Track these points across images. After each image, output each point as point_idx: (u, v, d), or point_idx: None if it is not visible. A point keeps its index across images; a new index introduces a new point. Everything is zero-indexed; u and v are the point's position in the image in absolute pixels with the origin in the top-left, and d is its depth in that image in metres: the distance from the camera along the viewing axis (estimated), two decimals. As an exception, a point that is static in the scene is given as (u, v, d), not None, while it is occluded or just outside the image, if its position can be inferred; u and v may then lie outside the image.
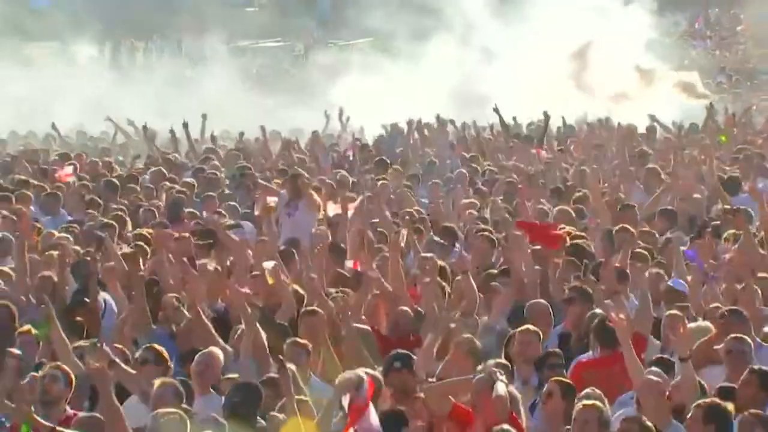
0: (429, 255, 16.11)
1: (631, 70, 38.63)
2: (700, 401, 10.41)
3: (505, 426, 9.97)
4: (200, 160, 27.05)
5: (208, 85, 40.10)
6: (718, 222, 18.95)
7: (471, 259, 17.01)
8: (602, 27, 39.50)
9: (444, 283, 15.33)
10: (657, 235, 18.54)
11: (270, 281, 15.07)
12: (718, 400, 10.47)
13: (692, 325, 13.15)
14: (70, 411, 11.05)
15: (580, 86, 38.27)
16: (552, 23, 39.27)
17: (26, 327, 13.29)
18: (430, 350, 12.50)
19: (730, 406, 10.31)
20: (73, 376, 11.27)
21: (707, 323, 13.30)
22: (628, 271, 15.35)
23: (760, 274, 15.01)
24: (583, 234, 18.00)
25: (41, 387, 11.07)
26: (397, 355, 11.50)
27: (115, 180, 23.24)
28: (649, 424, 10.13)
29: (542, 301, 14.52)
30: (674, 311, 13.56)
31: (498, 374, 10.40)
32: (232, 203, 21.90)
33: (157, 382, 11.03)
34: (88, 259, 16.50)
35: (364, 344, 13.14)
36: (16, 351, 11.98)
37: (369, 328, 13.82)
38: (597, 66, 38.76)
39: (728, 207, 19.67)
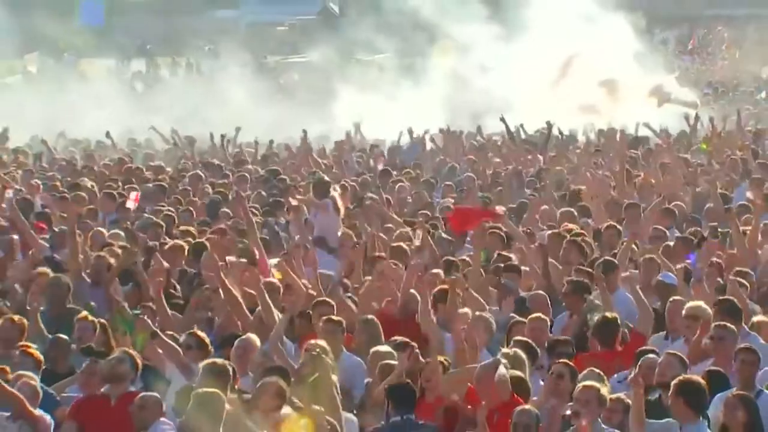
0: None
1: (622, 84, 38.37)
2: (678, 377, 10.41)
3: None
4: (234, 163, 26.94)
5: (242, 97, 40.18)
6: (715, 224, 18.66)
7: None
8: (594, 44, 39.40)
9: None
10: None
11: (277, 276, 14.97)
12: (691, 377, 10.44)
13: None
14: (132, 388, 11.11)
15: (577, 101, 37.93)
16: (549, 41, 39.13)
17: (84, 313, 13.28)
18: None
19: (702, 383, 10.29)
20: (139, 361, 11.39)
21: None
22: (616, 261, 15.31)
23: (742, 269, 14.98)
24: (582, 231, 17.79)
25: (109, 366, 11.13)
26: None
27: (164, 183, 23.16)
28: None
29: (541, 292, 14.44)
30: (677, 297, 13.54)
31: (501, 360, 10.43)
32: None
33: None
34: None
35: (367, 334, 13.01)
36: None
37: (372, 317, 13.47)
38: (588, 81, 38.52)
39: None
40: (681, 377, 10.38)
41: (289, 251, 16.54)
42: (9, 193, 20.69)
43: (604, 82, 38.31)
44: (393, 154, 29.08)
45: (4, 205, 20.21)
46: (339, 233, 18.80)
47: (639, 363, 11.39)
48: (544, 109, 32.32)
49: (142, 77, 55.12)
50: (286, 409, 10.22)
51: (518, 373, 10.87)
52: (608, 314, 13.05)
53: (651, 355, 11.62)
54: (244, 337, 12.30)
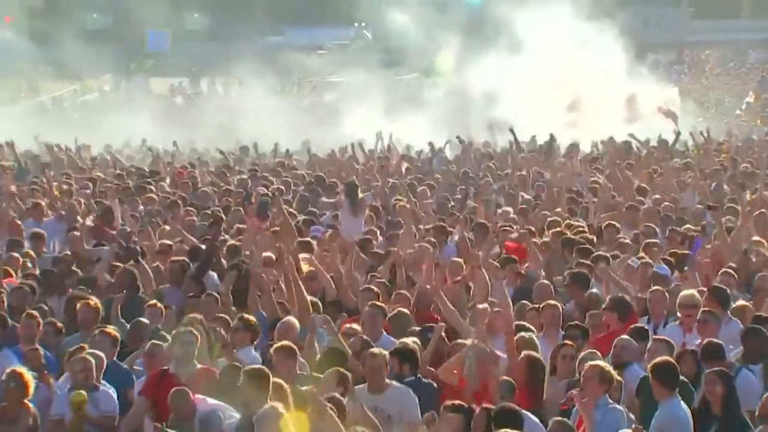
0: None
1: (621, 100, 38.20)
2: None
3: None
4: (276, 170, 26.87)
5: (282, 110, 40.38)
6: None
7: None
8: (590, 64, 39.38)
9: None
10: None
11: (304, 269, 14.81)
12: (665, 359, 10.36)
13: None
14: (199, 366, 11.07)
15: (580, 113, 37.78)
16: (549, 63, 39.05)
17: (153, 301, 13.33)
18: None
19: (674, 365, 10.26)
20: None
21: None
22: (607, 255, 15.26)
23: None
24: (584, 229, 17.69)
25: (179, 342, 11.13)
26: None
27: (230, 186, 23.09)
28: None
29: (546, 282, 14.37)
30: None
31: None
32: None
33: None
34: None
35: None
36: None
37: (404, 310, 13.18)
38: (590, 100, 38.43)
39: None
40: (655, 361, 10.29)
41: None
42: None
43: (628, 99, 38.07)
44: (421, 163, 28.87)
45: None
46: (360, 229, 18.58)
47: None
48: (547, 123, 32.09)
49: (185, 94, 55.51)
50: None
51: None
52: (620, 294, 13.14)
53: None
54: (284, 319, 12.24)
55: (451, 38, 46.86)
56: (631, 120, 34.92)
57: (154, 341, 11.63)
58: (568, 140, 30.07)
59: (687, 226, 17.84)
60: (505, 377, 10.39)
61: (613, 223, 17.74)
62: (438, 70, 47.91)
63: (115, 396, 11.13)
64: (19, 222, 18.86)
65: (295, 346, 11.02)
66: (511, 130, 29.57)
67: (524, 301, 13.49)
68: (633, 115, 36.67)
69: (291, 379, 10.25)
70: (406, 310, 12.94)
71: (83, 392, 10.76)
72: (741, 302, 13.07)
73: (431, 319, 12.98)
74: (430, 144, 30.03)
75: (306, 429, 8.91)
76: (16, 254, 16.16)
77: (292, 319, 12.30)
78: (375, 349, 10.81)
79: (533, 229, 17.64)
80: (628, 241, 16.75)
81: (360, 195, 20.32)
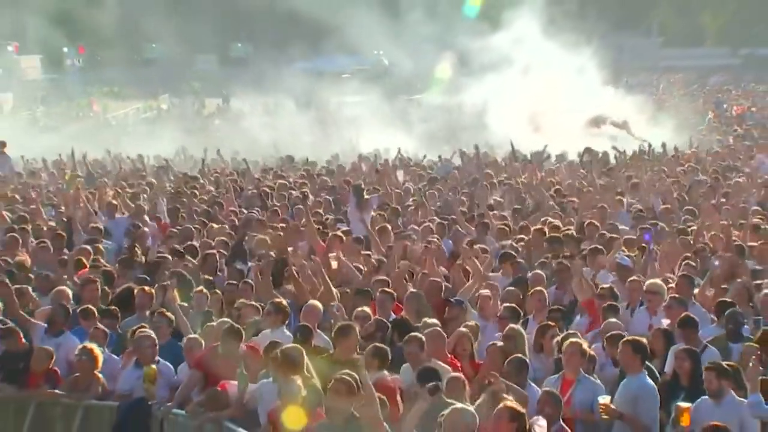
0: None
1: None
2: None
3: None
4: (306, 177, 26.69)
5: (314, 126, 40.37)
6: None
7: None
8: (571, 85, 39.10)
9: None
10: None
11: (333, 265, 14.64)
12: (638, 338, 10.29)
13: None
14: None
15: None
16: (534, 84, 38.79)
17: (199, 288, 13.20)
18: None
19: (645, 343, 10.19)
20: None
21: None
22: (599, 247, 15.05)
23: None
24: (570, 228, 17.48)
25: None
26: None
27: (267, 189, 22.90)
28: None
29: (539, 272, 14.04)
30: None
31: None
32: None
33: None
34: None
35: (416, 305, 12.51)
36: None
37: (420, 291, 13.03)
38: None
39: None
40: (630, 338, 10.26)
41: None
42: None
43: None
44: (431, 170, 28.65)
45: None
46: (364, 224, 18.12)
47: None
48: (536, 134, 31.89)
49: (228, 112, 55.48)
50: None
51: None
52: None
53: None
54: (309, 302, 12.18)
55: (449, 52, 46.85)
56: (598, 133, 34.48)
57: (190, 336, 11.52)
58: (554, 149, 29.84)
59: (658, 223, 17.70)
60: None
61: (594, 221, 17.61)
62: (437, 79, 47.60)
63: (173, 369, 11.18)
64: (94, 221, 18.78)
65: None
66: (511, 144, 29.23)
67: (513, 288, 13.33)
68: (598, 128, 36.33)
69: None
70: (420, 291, 12.83)
71: (154, 366, 10.84)
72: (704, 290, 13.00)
73: (439, 305, 12.81)
74: (439, 157, 29.84)
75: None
76: (88, 247, 16.08)
77: (316, 302, 12.26)
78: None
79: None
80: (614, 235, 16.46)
81: (366, 196, 20.16)
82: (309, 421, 8.91)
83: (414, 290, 12.92)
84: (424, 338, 10.51)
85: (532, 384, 9.91)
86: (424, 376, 9.39)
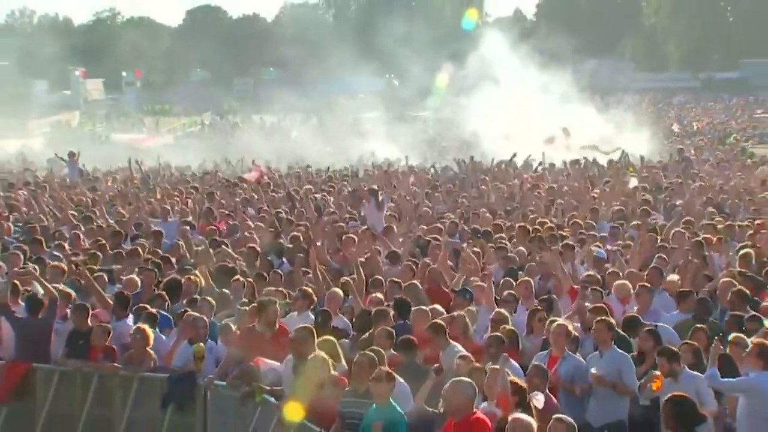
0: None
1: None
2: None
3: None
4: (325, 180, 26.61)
5: (335, 138, 40.43)
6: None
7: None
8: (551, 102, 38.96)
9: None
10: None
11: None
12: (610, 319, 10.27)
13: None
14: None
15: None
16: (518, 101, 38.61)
17: (237, 276, 13.02)
18: None
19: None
20: None
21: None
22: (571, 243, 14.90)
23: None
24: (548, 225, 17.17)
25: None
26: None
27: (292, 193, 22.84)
28: None
29: (533, 263, 13.92)
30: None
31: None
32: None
33: None
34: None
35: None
36: None
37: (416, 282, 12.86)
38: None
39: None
40: (603, 318, 10.17)
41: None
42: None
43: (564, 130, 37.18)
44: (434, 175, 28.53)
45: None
46: (382, 222, 18.10)
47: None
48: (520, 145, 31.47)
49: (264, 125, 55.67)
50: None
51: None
52: None
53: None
54: (332, 290, 12.16)
55: (448, 64, 46.76)
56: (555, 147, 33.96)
57: (223, 323, 11.37)
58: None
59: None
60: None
61: (578, 220, 17.52)
62: (437, 88, 47.45)
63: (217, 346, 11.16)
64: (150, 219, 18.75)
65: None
66: (514, 154, 28.82)
67: (508, 278, 13.14)
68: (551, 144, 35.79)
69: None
70: (416, 282, 12.68)
71: (203, 345, 10.84)
72: (671, 277, 12.85)
73: (440, 293, 12.69)
74: (445, 166, 29.69)
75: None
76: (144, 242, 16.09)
77: (337, 290, 12.23)
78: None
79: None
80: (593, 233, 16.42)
81: (380, 197, 20.03)
82: (320, 390, 8.95)
83: (413, 281, 12.72)
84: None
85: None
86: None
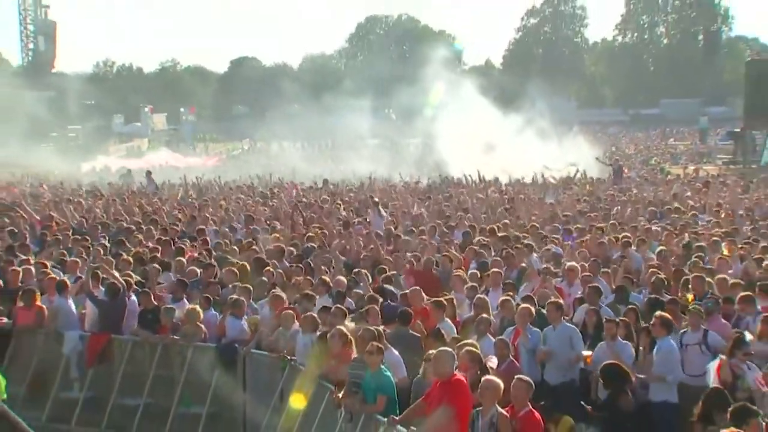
0: None
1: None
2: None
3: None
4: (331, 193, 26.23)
5: (342, 161, 40.15)
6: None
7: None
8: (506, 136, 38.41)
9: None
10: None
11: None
12: (559, 301, 10.23)
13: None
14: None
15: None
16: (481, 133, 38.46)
17: (268, 267, 12.90)
18: None
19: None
20: None
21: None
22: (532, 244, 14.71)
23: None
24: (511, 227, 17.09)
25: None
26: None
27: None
28: None
29: (498, 258, 13.49)
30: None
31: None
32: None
33: None
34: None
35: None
36: None
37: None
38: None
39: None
40: (553, 300, 10.15)
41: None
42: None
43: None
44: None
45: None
46: (382, 226, 17.75)
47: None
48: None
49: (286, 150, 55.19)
50: None
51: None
52: None
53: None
54: (338, 278, 12.18)
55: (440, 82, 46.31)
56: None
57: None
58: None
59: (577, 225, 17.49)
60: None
61: (535, 224, 17.44)
62: (430, 101, 46.75)
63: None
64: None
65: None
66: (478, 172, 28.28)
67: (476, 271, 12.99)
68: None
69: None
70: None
71: (257, 317, 10.89)
72: (606, 269, 12.77)
73: (431, 277, 12.58)
74: (433, 182, 29.34)
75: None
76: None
77: (342, 278, 12.23)
78: None
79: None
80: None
81: (381, 207, 19.84)
82: (328, 360, 8.89)
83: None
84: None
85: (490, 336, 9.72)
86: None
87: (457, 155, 34.34)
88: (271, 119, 58.69)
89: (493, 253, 14.08)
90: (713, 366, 8.42)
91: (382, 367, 8.17)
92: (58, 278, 12.14)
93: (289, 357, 9.92)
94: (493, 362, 8.40)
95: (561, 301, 10.28)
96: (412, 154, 40.99)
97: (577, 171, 29.44)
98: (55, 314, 11.47)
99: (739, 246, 14.29)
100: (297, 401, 9.09)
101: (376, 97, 53.35)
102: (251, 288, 11.70)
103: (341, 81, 56.73)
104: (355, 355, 8.67)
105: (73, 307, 11.65)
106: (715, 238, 14.67)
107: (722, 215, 18.69)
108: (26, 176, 34.69)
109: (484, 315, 9.93)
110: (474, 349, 8.28)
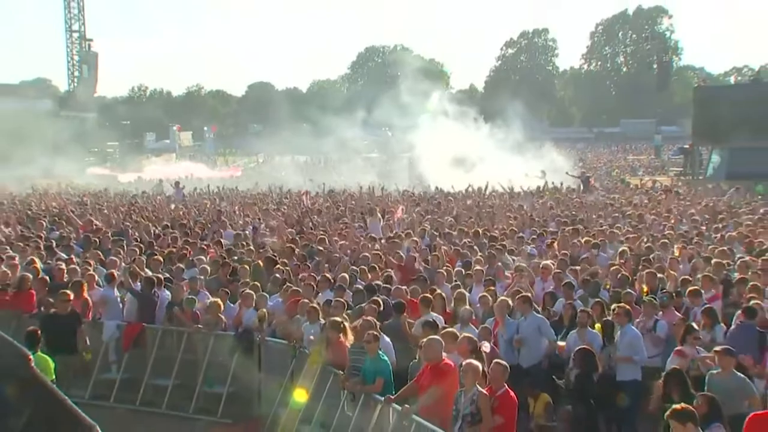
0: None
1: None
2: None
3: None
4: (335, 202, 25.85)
5: (348, 171, 40.02)
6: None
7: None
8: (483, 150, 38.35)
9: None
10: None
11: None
12: (528, 294, 10.24)
13: None
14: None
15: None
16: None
17: (278, 265, 12.89)
18: None
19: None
20: None
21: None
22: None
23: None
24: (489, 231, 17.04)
25: None
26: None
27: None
28: None
29: (480, 257, 13.66)
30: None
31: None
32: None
33: None
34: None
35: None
36: None
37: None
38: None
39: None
40: (523, 294, 10.06)
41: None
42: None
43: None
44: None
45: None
46: (380, 230, 17.65)
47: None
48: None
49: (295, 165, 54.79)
50: None
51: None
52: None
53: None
54: (341, 275, 12.11)
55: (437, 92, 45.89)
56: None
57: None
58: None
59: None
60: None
61: (513, 228, 17.43)
62: (427, 107, 46.52)
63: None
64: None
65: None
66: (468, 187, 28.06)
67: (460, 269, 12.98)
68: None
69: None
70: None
71: (264, 310, 10.78)
72: (575, 267, 12.79)
73: (413, 271, 12.56)
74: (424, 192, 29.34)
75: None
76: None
77: (344, 274, 12.17)
78: None
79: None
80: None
81: (377, 212, 19.87)
82: (333, 345, 8.86)
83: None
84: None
85: (472, 326, 9.72)
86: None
87: (444, 167, 34.48)
88: (282, 136, 58.64)
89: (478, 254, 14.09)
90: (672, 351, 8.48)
91: (380, 352, 8.17)
92: (97, 274, 12.19)
93: (297, 345, 9.89)
94: (486, 347, 8.37)
95: (529, 294, 10.25)
96: (405, 167, 40.98)
97: (546, 180, 29.52)
98: (104, 302, 11.51)
99: (688, 247, 14.32)
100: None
101: (374, 116, 53.16)
102: (259, 285, 11.67)
103: (344, 103, 56.53)
104: (352, 343, 8.67)
105: (117, 297, 11.67)
106: (663, 240, 14.70)
107: (672, 220, 18.73)
108: (69, 186, 34.69)
109: (468, 307, 9.94)
110: (472, 336, 8.30)
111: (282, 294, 11.09)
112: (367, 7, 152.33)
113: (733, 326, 9.09)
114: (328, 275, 11.96)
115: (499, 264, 13.04)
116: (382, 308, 9.88)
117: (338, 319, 9.03)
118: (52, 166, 42.15)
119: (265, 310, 10.76)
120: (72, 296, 10.67)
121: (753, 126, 34.11)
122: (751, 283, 10.48)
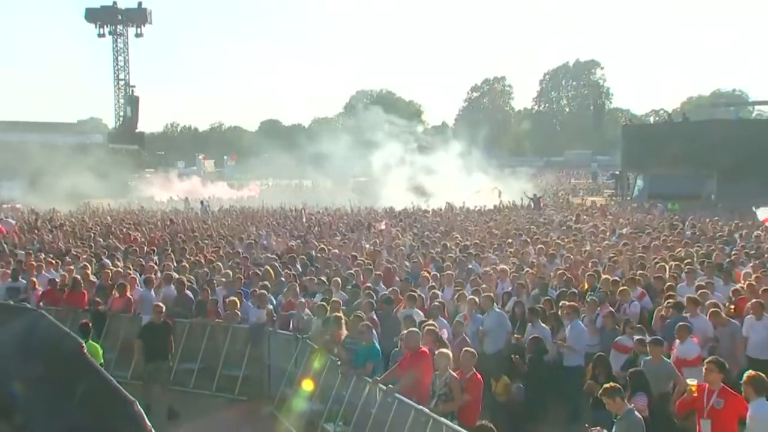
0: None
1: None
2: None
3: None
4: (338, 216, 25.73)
5: (343, 192, 39.64)
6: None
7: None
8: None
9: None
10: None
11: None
12: (491, 294, 10.05)
13: None
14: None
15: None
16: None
17: (285, 271, 12.89)
18: None
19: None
20: None
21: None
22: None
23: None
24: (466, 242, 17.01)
25: None
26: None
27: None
28: None
29: (450, 263, 13.66)
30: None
31: None
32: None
33: None
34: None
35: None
36: None
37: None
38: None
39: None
40: (487, 293, 9.99)
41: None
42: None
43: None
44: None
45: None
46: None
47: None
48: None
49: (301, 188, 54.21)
50: None
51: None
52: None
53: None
54: (335, 278, 12.03)
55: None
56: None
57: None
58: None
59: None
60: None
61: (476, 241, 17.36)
62: (422, 120, 46.27)
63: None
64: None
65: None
66: (447, 202, 27.93)
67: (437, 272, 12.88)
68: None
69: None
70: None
71: (271, 307, 10.60)
72: (529, 271, 12.77)
73: (392, 275, 12.48)
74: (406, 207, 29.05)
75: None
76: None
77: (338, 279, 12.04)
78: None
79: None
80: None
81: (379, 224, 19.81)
82: (335, 337, 8.77)
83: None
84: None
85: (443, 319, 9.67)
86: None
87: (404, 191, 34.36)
88: (289, 163, 58.49)
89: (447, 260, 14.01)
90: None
91: (375, 342, 8.16)
92: (137, 277, 12.19)
93: (300, 336, 9.80)
94: (444, 334, 8.37)
95: (492, 294, 10.24)
96: (390, 188, 40.87)
97: (500, 193, 29.53)
98: (141, 301, 11.47)
99: (620, 255, 14.40)
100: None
101: (364, 147, 53.14)
102: (269, 285, 11.58)
103: (340, 137, 56.37)
104: (347, 333, 8.63)
105: (153, 296, 11.56)
106: (598, 249, 14.83)
107: (607, 233, 18.84)
108: (110, 207, 34.36)
109: (438, 302, 9.94)
110: (433, 328, 8.27)
111: (288, 293, 11.03)
112: (358, 57, 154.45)
113: (656, 318, 9.22)
114: (324, 278, 11.94)
115: (470, 266, 13.01)
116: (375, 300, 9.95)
117: (339, 314, 9.01)
118: (101, 188, 42.02)
119: (271, 306, 10.68)
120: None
121: (668, 157, 34.86)
122: (668, 284, 10.65)
